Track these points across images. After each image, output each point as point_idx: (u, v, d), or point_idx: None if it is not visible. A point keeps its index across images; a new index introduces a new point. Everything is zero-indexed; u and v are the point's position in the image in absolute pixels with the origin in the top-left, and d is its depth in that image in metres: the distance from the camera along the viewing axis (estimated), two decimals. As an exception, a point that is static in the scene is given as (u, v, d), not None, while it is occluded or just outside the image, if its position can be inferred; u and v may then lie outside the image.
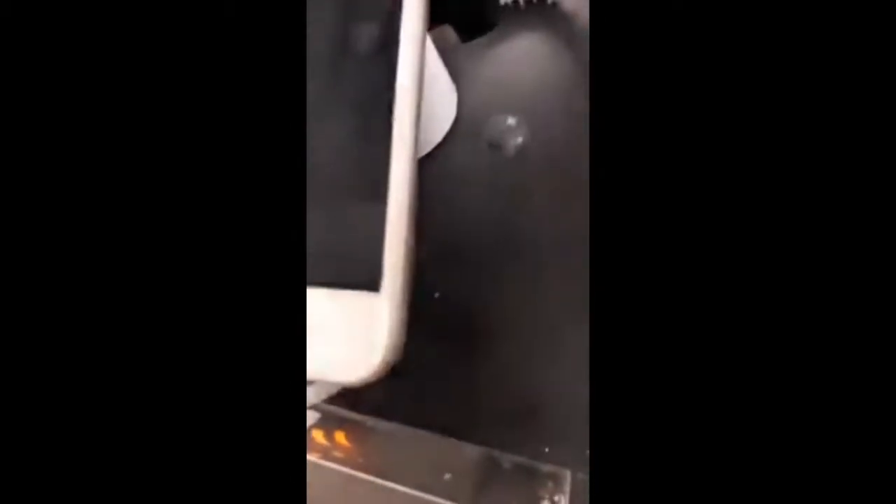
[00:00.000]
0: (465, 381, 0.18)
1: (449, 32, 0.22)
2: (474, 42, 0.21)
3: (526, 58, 0.24)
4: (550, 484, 0.16)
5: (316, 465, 0.16)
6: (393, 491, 0.16)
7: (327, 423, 0.18)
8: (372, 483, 0.16)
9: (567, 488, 0.15)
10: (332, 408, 0.18)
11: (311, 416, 0.18)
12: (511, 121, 0.22)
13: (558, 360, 0.18)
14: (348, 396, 0.17)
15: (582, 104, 0.21)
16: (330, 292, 0.13)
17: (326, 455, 0.17)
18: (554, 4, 0.26)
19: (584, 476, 0.16)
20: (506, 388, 0.18)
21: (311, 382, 0.15)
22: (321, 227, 0.13)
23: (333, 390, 0.18)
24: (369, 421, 0.18)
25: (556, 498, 0.15)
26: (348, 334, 0.13)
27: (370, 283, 0.13)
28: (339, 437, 0.18)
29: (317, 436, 0.17)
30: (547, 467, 0.16)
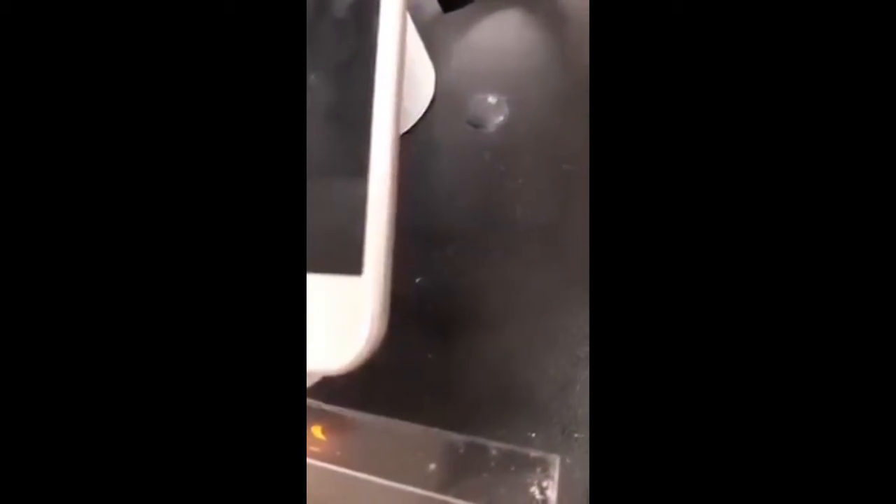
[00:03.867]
0: (447, 369, 0.18)
1: (427, 4, 0.21)
2: (453, 16, 0.21)
3: (507, 33, 0.24)
4: (539, 470, 0.15)
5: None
6: (375, 485, 0.15)
7: (303, 416, 0.17)
8: (353, 478, 0.15)
9: (555, 473, 0.15)
10: (307, 401, 0.17)
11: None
12: (492, 99, 0.21)
13: (544, 344, 0.18)
14: (323, 388, 0.17)
15: (564, 81, 0.20)
16: (309, 277, 0.13)
17: (303, 450, 0.16)
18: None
19: (572, 461, 0.16)
20: (490, 373, 0.18)
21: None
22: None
23: (311, 382, 0.17)
24: (347, 413, 0.17)
25: (544, 484, 0.15)
26: (329, 321, 0.13)
27: (351, 265, 0.12)
28: (316, 431, 0.17)
29: (293, 430, 0.17)
30: (535, 453, 0.16)
